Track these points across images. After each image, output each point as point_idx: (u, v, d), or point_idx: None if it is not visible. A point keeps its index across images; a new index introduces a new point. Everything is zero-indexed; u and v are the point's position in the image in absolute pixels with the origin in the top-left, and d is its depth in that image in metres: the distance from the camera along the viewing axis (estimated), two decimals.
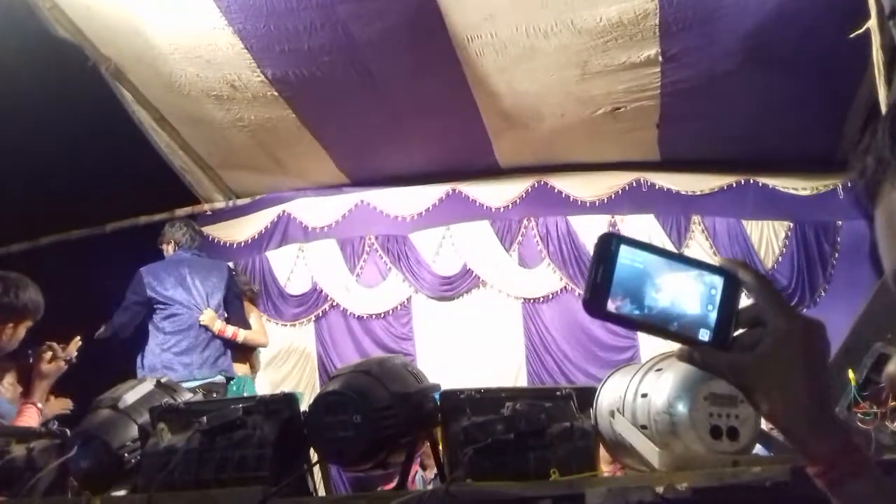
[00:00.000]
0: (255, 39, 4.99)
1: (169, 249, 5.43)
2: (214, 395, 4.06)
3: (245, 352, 5.63)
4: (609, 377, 2.06)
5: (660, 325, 0.81)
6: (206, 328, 5.10)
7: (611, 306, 0.80)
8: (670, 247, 6.30)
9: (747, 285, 0.82)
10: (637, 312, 0.81)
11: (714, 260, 0.84)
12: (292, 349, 6.75)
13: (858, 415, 2.05)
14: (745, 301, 0.83)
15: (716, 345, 0.81)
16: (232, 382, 5.20)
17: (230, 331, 5.24)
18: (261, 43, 5.02)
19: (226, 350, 5.21)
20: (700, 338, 0.81)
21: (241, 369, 5.57)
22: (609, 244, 0.81)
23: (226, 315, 5.28)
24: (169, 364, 4.97)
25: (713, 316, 0.81)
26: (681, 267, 0.82)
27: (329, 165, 6.64)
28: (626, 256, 0.81)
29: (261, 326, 5.86)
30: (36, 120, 5.18)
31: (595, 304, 0.80)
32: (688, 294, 0.81)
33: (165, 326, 5.11)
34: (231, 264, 6.74)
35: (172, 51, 5.15)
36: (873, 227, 0.65)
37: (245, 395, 4.91)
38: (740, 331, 0.82)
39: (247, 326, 5.44)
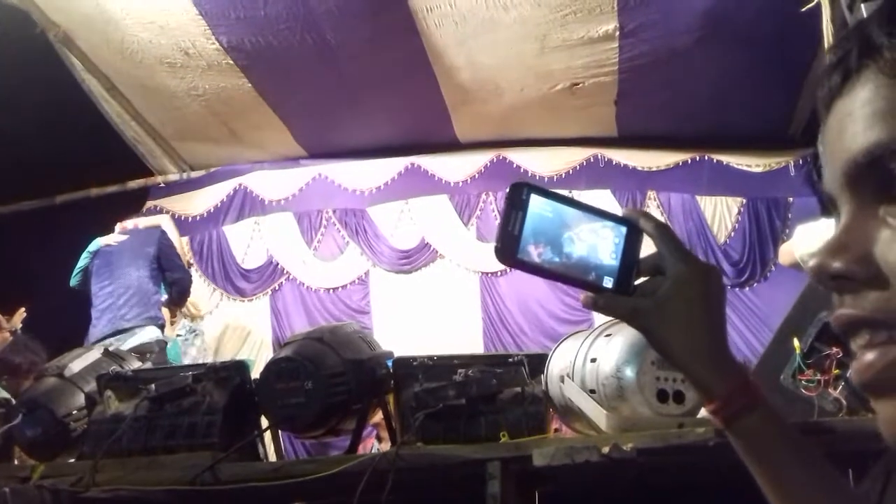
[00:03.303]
0: (209, 5, 4.89)
1: None
2: (148, 356, 4.12)
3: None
4: (560, 343, 2.08)
5: (564, 273, 0.83)
6: (127, 287, 5.17)
7: (521, 254, 0.82)
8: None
9: (648, 233, 0.84)
10: (545, 260, 0.82)
11: (619, 210, 0.87)
12: (247, 324, 6.69)
13: (802, 382, 2.10)
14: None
15: (618, 291, 0.84)
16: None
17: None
18: (215, 9, 4.92)
19: (153, 302, 5.24)
20: (604, 285, 0.83)
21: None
22: (521, 193, 0.82)
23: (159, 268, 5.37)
24: (94, 322, 5.11)
25: (616, 264, 0.84)
26: (586, 217, 0.84)
27: (286, 137, 6.55)
28: (537, 205, 0.82)
29: None
30: None
31: (506, 251, 0.82)
32: (593, 243, 0.84)
33: (94, 291, 5.25)
34: (186, 238, 6.67)
35: (124, 16, 5.03)
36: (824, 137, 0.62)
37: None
38: (643, 279, 0.84)
39: (181, 272, 5.52)
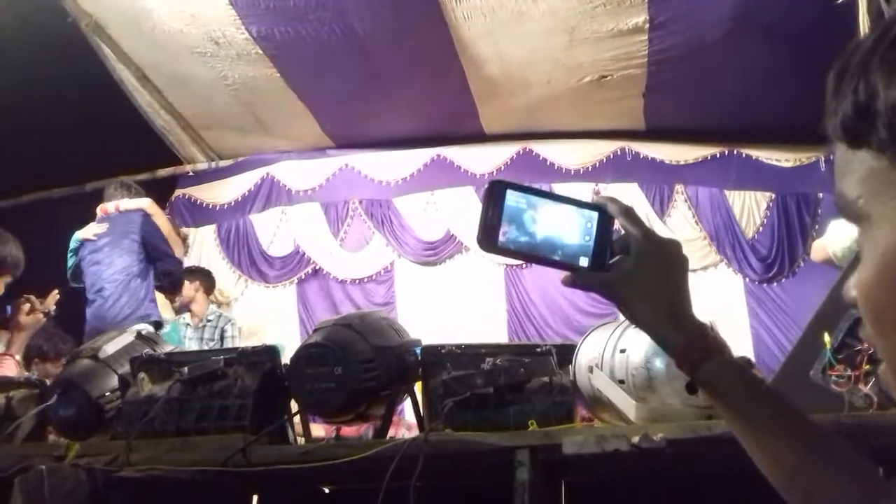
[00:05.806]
0: None
1: None
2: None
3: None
4: (589, 334, 2.08)
5: (544, 255, 0.93)
6: (115, 286, 4.86)
7: (500, 243, 0.91)
8: (653, 216, 6.36)
9: (615, 215, 0.94)
10: (523, 245, 0.92)
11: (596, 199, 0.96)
12: (273, 311, 6.74)
13: (833, 377, 2.08)
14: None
15: (593, 269, 0.93)
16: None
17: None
18: None
19: (145, 298, 4.92)
20: (580, 264, 0.93)
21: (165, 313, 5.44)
22: (497, 189, 0.92)
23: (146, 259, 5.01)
24: (88, 320, 4.85)
25: (591, 245, 0.93)
26: (560, 205, 0.94)
27: (313, 128, 6.58)
28: (513, 199, 0.92)
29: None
30: (15, 78, 5.09)
31: (487, 240, 0.91)
32: (568, 228, 0.93)
33: (86, 289, 4.99)
34: (213, 227, 6.72)
35: (155, 5, 5.07)
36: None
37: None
38: (617, 257, 0.94)
39: (170, 262, 5.13)
